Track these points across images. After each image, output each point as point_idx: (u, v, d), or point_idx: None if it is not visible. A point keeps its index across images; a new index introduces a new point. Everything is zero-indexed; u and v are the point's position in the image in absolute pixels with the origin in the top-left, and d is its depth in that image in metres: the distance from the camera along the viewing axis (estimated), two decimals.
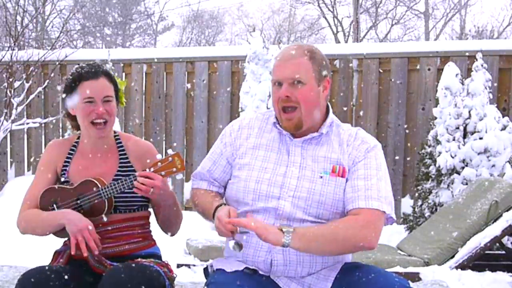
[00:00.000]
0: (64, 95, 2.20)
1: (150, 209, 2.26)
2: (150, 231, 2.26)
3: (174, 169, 1.99)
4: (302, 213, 1.90)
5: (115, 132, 2.26)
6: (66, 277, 1.95)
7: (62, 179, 2.18)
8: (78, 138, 2.26)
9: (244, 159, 2.01)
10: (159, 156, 2.03)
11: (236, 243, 1.82)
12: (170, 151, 2.02)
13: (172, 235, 2.26)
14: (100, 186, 2.07)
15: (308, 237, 1.80)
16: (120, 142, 2.23)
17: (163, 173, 2.00)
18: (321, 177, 1.93)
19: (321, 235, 1.81)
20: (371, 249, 1.87)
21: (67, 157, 2.21)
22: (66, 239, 2.20)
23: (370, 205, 1.86)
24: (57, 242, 2.24)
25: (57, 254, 2.18)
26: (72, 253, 2.01)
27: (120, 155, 2.21)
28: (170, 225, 2.22)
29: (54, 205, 2.11)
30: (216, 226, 1.89)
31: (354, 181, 1.92)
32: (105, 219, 2.10)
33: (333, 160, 1.96)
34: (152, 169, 2.00)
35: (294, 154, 1.98)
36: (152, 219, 2.27)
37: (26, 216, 2.15)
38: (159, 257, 2.21)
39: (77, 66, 2.20)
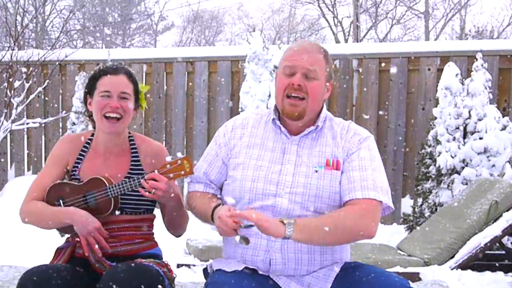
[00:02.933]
0: (84, 92, 2.22)
1: (155, 212, 2.27)
2: (153, 233, 2.26)
3: (183, 172, 2.00)
4: (299, 208, 1.91)
5: (129, 133, 2.27)
6: (67, 276, 1.95)
7: (72, 176, 2.18)
8: (92, 135, 2.25)
9: (239, 159, 2.02)
10: (168, 158, 2.04)
11: (242, 237, 1.81)
12: (179, 154, 2.03)
13: (178, 236, 2.28)
14: (107, 185, 2.08)
15: (309, 228, 1.81)
16: (134, 144, 2.24)
17: (171, 175, 2.00)
18: (316, 171, 1.94)
19: (322, 225, 1.82)
20: (371, 238, 1.88)
21: (80, 154, 2.21)
22: (68, 236, 2.20)
23: (367, 195, 1.88)
24: (57, 242, 2.24)
25: (58, 251, 2.17)
26: (86, 254, 2.04)
27: (133, 157, 2.22)
28: (175, 227, 2.23)
29: (60, 201, 2.12)
30: (217, 226, 1.88)
31: (350, 173, 1.93)
32: (117, 213, 2.12)
33: (327, 153, 1.98)
34: (160, 171, 2.01)
35: (289, 152, 1.99)
36: (156, 220, 2.28)
37: (31, 208, 2.14)
38: (160, 258, 2.21)
39: (100, 64, 2.24)
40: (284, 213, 1.91)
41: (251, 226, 1.81)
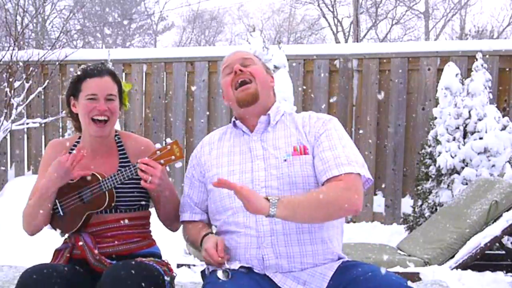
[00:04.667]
0: (67, 93, 2.21)
1: (151, 209, 2.27)
2: (150, 231, 2.27)
3: (173, 157, 2.01)
4: None
5: (116, 131, 2.27)
6: (67, 275, 1.95)
7: None
8: (79, 138, 2.26)
9: (212, 171, 2.08)
10: (157, 145, 2.06)
11: (224, 271, 1.85)
12: (168, 140, 2.04)
13: (175, 230, 2.27)
14: (100, 178, 2.08)
15: (293, 204, 1.83)
16: (120, 142, 2.25)
17: (162, 161, 2.01)
18: (285, 160, 1.99)
19: (306, 201, 1.84)
20: (357, 212, 1.89)
21: None
22: (66, 237, 2.21)
23: (343, 170, 1.90)
24: (57, 242, 2.24)
25: (57, 252, 2.18)
26: (84, 256, 2.05)
27: (120, 154, 2.22)
28: (171, 219, 2.22)
29: (56, 201, 2.13)
30: (204, 257, 1.95)
31: (321, 154, 1.96)
32: (112, 211, 2.13)
33: (293, 142, 2.03)
34: (151, 158, 2.02)
35: (255, 148, 2.04)
36: (153, 219, 2.28)
37: (24, 214, 2.17)
38: (159, 256, 2.22)
39: (82, 65, 2.22)
40: None
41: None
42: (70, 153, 2.20)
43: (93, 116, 2.12)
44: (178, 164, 2.19)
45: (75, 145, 2.25)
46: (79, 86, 2.15)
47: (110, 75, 2.17)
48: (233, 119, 2.16)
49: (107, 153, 2.21)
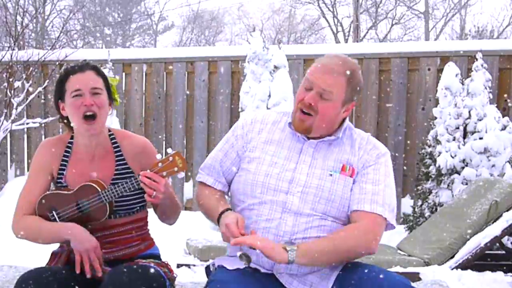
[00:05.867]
0: (55, 98, 2.15)
1: (148, 208, 2.25)
2: (148, 231, 2.24)
3: (176, 169, 1.94)
4: (309, 209, 1.92)
5: (109, 130, 2.19)
6: (64, 278, 1.94)
7: (59, 184, 2.13)
8: (72, 137, 2.18)
9: (255, 153, 2.02)
10: (158, 156, 1.97)
11: (244, 254, 1.84)
12: (169, 150, 1.97)
13: (171, 225, 2.24)
14: (100, 190, 2.02)
15: (311, 253, 1.84)
16: (116, 142, 2.16)
17: (164, 173, 1.94)
18: (331, 175, 1.95)
19: (324, 248, 1.85)
20: (372, 254, 1.93)
21: (63, 160, 2.14)
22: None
23: (375, 209, 1.91)
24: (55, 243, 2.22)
25: (53, 255, 2.14)
26: (77, 271, 1.97)
27: (116, 156, 2.14)
28: (169, 218, 2.19)
29: (54, 212, 2.05)
30: (223, 232, 1.90)
31: (363, 184, 1.95)
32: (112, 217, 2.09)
33: (343, 160, 1.98)
34: (153, 170, 1.94)
35: (305, 153, 1.99)
36: (153, 220, 2.27)
37: (26, 224, 2.08)
38: (159, 257, 2.20)
39: (63, 67, 2.18)
40: (293, 211, 1.92)
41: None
42: (65, 155, 2.14)
43: (82, 113, 2.04)
44: (181, 175, 2.10)
45: (69, 146, 2.16)
46: (63, 87, 2.09)
47: (92, 69, 2.10)
48: (290, 118, 2.04)
49: (103, 155, 2.13)
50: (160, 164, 1.95)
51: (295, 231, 1.91)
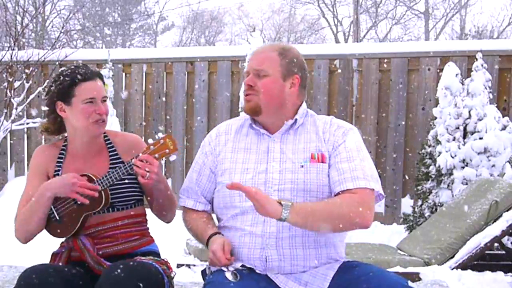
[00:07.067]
0: (53, 97, 2.16)
1: (147, 208, 2.26)
2: (148, 228, 2.26)
3: (167, 150, 2.00)
4: None
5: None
6: (66, 275, 1.95)
7: None
8: (65, 141, 2.24)
9: (225, 164, 2.05)
10: (150, 141, 2.04)
11: (233, 273, 1.85)
12: (160, 134, 2.04)
13: (168, 222, 2.26)
14: (95, 179, 2.07)
15: (305, 211, 1.83)
16: (109, 139, 2.25)
17: (156, 155, 2.00)
18: (302, 166, 1.97)
19: (318, 210, 1.85)
20: (366, 227, 1.90)
21: (58, 161, 2.20)
22: (63, 240, 2.20)
23: (358, 184, 1.90)
24: (55, 243, 2.23)
25: (54, 256, 2.16)
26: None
27: (110, 152, 2.22)
28: (165, 212, 2.21)
29: (52, 208, 2.11)
30: (210, 258, 1.93)
31: (338, 165, 1.95)
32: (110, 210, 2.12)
33: (312, 148, 2.00)
34: (145, 153, 2.01)
35: (273, 150, 2.01)
36: (152, 219, 2.27)
37: (17, 220, 2.15)
38: (158, 254, 2.21)
39: (64, 69, 2.19)
40: None
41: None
42: (60, 157, 2.20)
43: (94, 118, 2.12)
44: (172, 157, 2.14)
45: (63, 149, 2.22)
46: (72, 91, 2.11)
47: (99, 77, 2.18)
48: (250, 120, 2.12)
49: (98, 153, 2.21)
50: (152, 147, 2.01)
51: (280, 230, 1.91)
